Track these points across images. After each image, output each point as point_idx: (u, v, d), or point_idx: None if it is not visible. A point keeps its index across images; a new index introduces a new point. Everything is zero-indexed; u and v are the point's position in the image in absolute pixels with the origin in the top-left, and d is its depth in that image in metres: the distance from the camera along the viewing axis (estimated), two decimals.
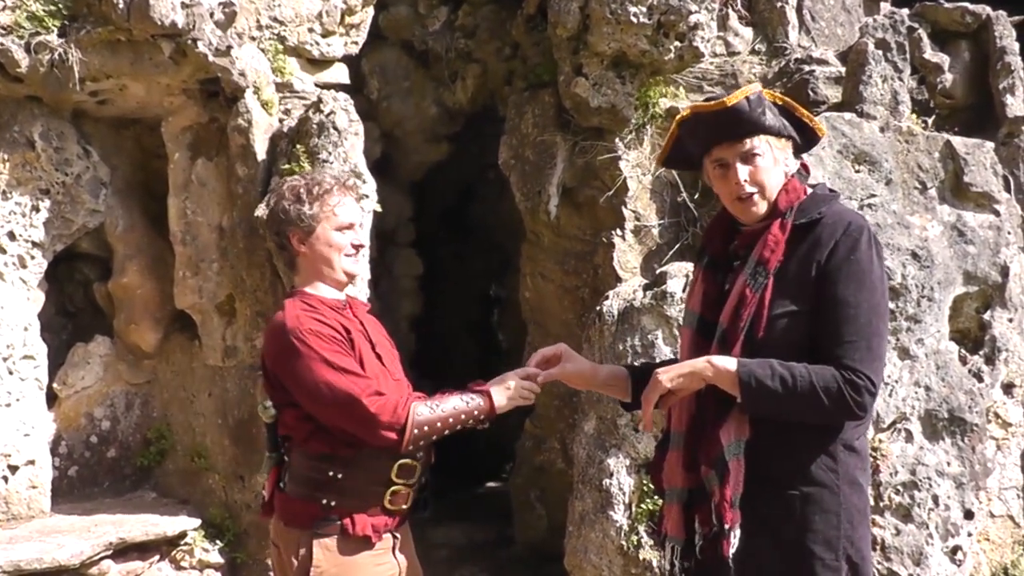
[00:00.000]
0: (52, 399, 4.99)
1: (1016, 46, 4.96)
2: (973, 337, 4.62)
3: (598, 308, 4.46)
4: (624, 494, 4.17)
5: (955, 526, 4.25)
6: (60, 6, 4.56)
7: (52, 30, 4.54)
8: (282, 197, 2.65)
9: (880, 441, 4.20)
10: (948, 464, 4.29)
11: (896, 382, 4.25)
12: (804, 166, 2.41)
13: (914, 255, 4.35)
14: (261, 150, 4.77)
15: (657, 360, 3.78)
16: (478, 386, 2.59)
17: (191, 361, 5.17)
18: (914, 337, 4.29)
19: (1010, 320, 4.64)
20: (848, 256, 2.18)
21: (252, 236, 4.76)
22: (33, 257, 4.82)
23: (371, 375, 2.52)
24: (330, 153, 4.59)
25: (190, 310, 5.08)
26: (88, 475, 5.14)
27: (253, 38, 5.05)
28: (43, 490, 4.76)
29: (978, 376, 4.48)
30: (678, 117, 2.41)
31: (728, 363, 2.18)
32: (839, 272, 2.18)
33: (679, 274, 4.27)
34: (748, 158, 2.28)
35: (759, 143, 2.28)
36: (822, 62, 5.05)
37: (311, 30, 5.27)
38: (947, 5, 5.02)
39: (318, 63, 5.38)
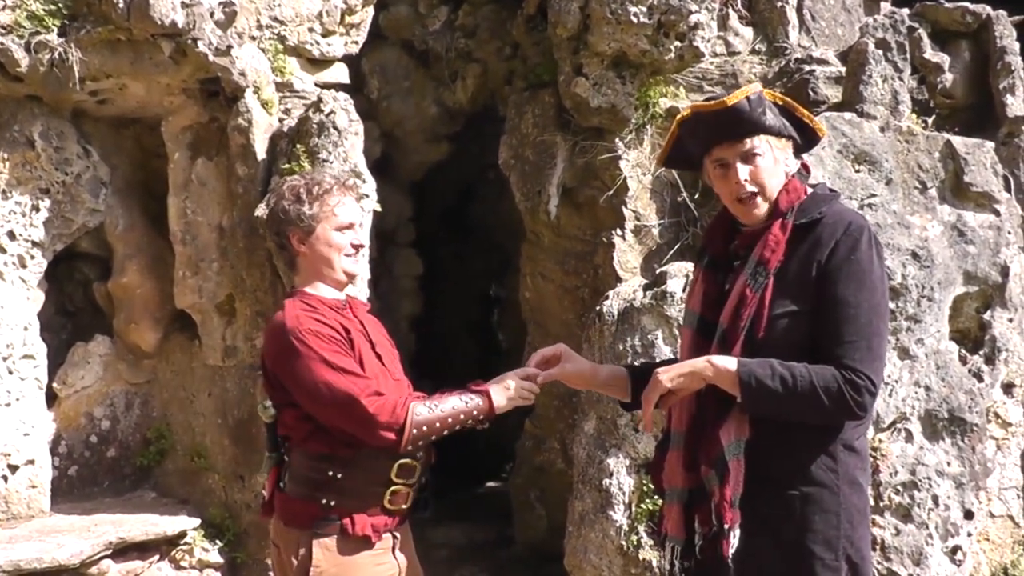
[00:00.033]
0: (52, 399, 4.99)
1: (1016, 46, 4.96)
2: (973, 337, 4.63)
3: (598, 308, 4.45)
4: (624, 494, 4.16)
5: (955, 526, 4.25)
6: (60, 6, 4.56)
7: (52, 29, 4.54)
8: (282, 197, 2.64)
9: (880, 441, 4.20)
10: (948, 464, 4.29)
11: (896, 382, 4.25)
12: (804, 166, 2.41)
13: (914, 255, 4.35)
14: (261, 150, 4.77)
15: (657, 360, 3.77)
16: (477, 386, 2.58)
17: (191, 361, 5.17)
18: (914, 337, 4.29)
19: (1010, 320, 4.64)
20: (848, 256, 2.18)
21: (252, 236, 4.76)
22: (33, 256, 4.82)
23: (371, 375, 2.52)
24: (330, 153, 4.59)
25: (190, 310, 5.08)
26: (88, 475, 5.14)
27: (253, 38, 5.05)
28: (43, 490, 4.76)
29: (978, 376, 4.48)
30: (678, 117, 2.41)
31: (728, 363, 2.18)
32: (839, 272, 2.18)
33: (679, 274, 4.27)
34: (748, 158, 2.28)
35: (759, 143, 2.28)
36: (822, 62, 5.05)
37: (311, 30, 5.27)
38: (947, 5, 5.01)
39: (318, 63, 5.38)
